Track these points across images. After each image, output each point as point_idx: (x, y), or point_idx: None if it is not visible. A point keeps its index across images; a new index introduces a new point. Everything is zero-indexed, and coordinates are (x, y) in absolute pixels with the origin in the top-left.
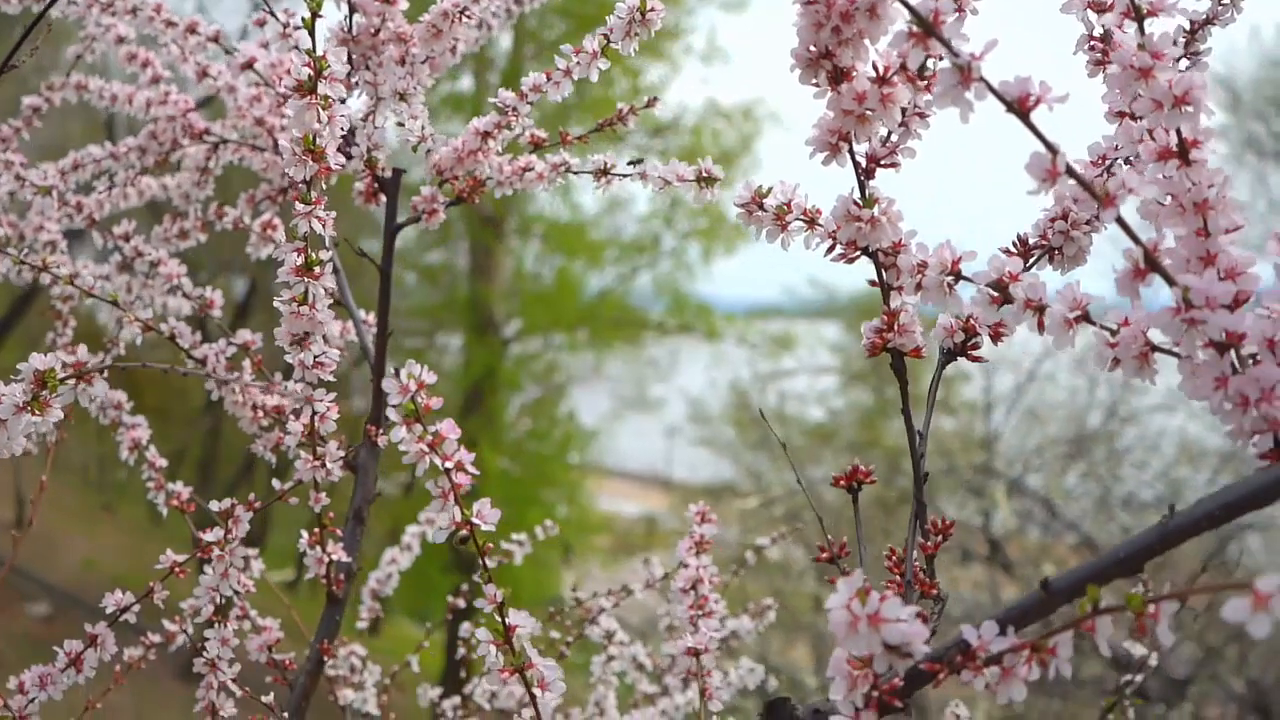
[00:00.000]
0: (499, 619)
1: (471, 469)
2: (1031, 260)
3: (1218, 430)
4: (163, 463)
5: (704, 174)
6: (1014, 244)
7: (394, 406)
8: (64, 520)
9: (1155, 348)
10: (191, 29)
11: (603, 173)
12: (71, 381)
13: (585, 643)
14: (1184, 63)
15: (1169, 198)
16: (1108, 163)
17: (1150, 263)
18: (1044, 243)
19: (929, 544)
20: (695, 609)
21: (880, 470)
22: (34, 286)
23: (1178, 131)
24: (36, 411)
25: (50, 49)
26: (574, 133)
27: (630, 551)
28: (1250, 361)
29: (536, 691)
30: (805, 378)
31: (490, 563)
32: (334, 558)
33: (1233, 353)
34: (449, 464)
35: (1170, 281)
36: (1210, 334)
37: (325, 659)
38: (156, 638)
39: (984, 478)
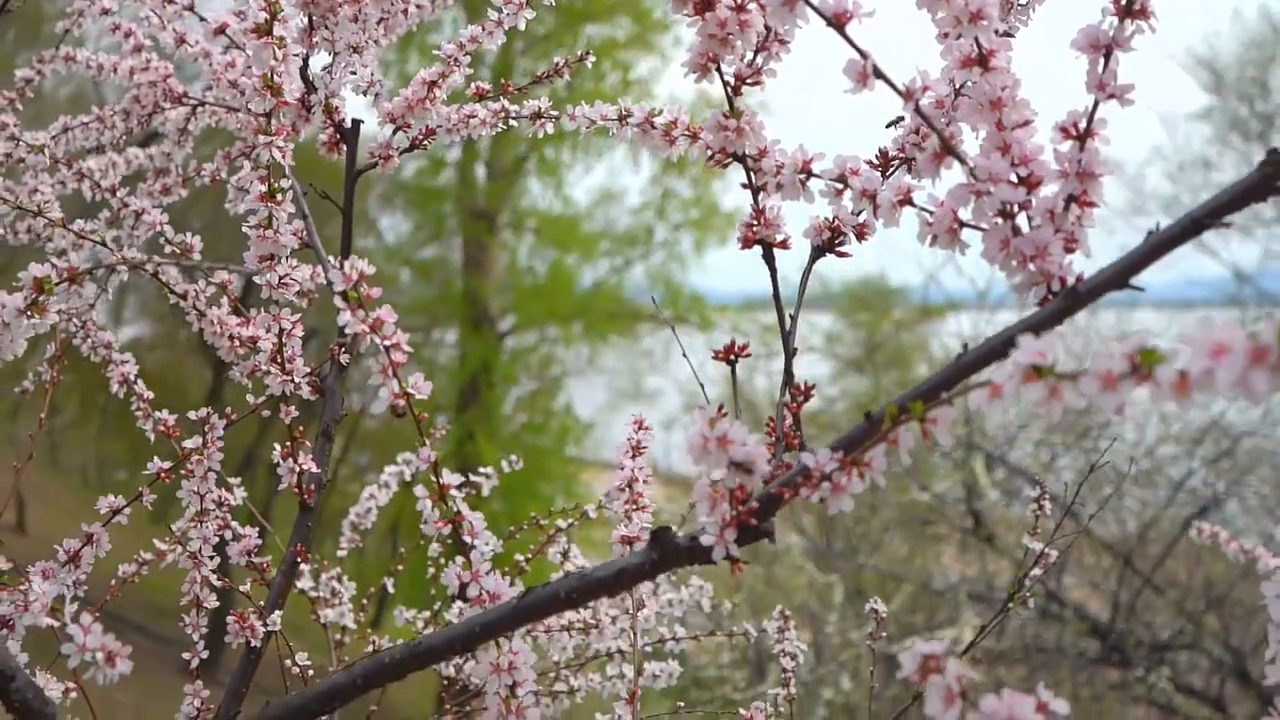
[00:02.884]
0: (434, 479)
1: (406, 348)
2: (892, 169)
3: (1193, 403)
4: (150, 394)
5: (623, 113)
6: (876, 155)
7: (338, 294)
8: (64, 521)
9: (963, 224)
10: None
11: (537, 116)
12: (65, 284)
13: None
14: None
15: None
16: (958, 85)
17: (946, 148)
18: (901, 154)
19: (794, 404)
20: (630, 504)
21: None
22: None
23: (976, 42)
24: (35, 314)
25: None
26: (515, 85)
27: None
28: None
29: (468, 539)
30: (797, 364)
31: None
32: (305, 469)
33: (1022, 220)
34: (388, 343)
35: (962, 161)
36: (994, 205)
37: (300, 561)
38: (149, 555)
39: (965, 452)
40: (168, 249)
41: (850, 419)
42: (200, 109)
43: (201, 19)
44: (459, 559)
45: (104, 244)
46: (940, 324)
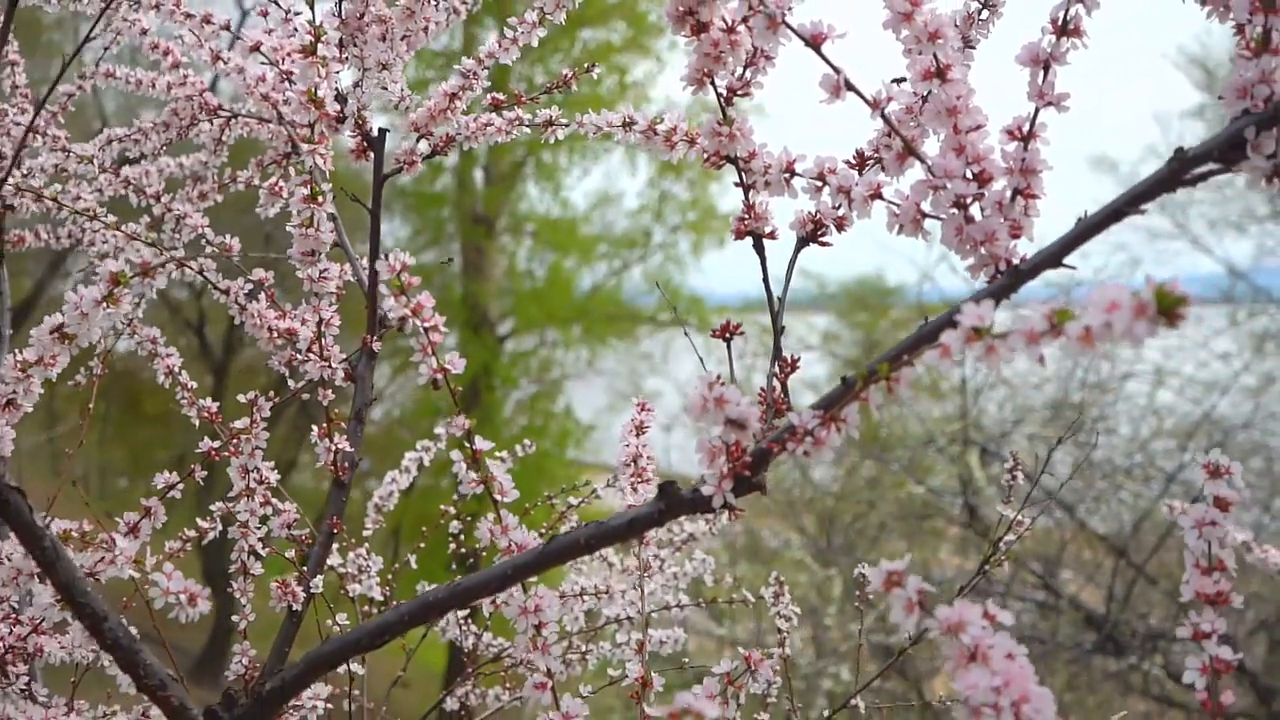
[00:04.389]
0: (468, 444)
1: (443, 329)
2: (866, 168)
3: (1188, 399)
4: (193, 384)
5: (627, 120)
6: (853, 156)
7: (384, 282)
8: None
9: (925, 214)
10: (206, 20)
11: (549, 124)
12: (139, 278)
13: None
14: (984, 12)
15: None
16: (921, 94)
17: (908, 149)
18: (874, 155)
19: (782, 375)
20: (635, 478)
21: (873, 451)
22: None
23: (935, 57)
24: (111, 305)
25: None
26: (528, 94)
27: (629, 544)
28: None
29: (497, 496)
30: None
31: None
32: (340, 448)
33: (976, 211)
34: (427, 325)
35: (922, 161)
36: (950, 198)
37: (335, 533)
38: (192, 533)
39: (961, 447)
40: (208, 249)
41: None
42: (234, 120)
43: (237, 37)
44: (489, 515)
45: (154, 244)
46: None
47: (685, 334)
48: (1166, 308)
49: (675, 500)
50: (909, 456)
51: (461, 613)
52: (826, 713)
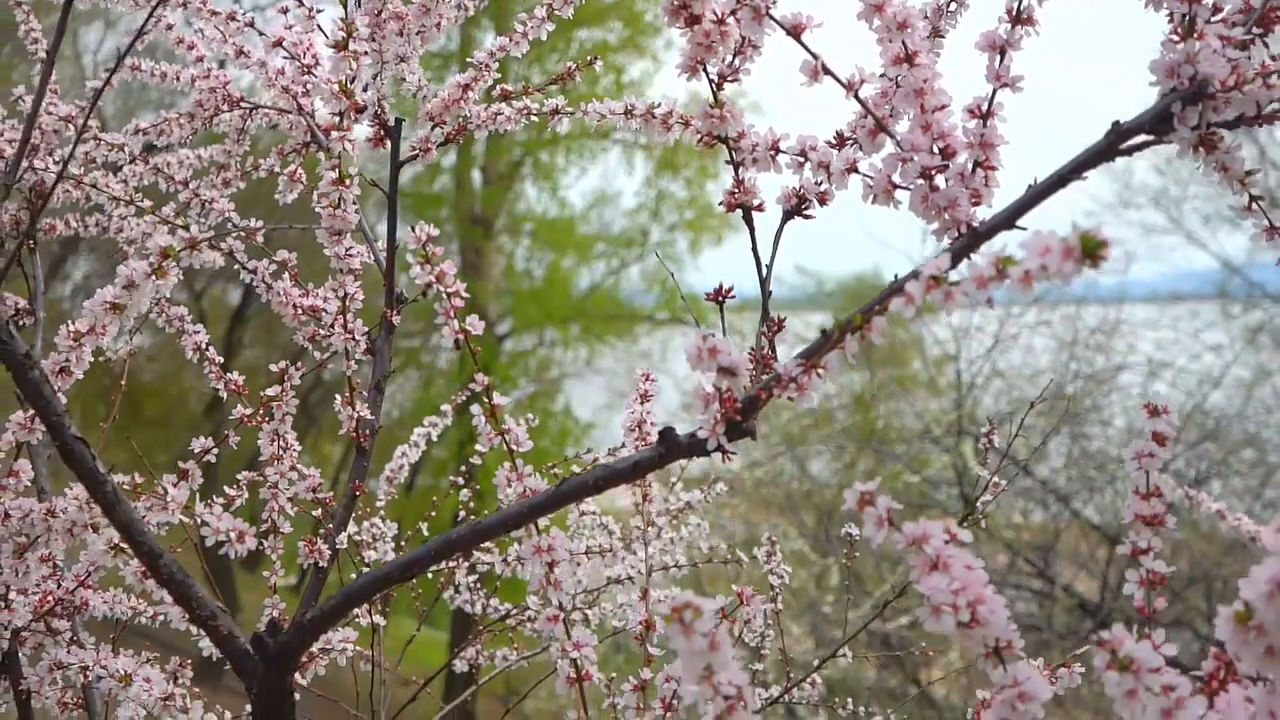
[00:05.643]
0: (487, 400)
1: (464, 294)
2: (845, 146)
3: (1181, 390)
4: (220, 359)
5: (629, 108)
6: (834, 135)
7: (411, 251)
8: None
9: (895, 185)
10: (231, 16)
11: (555, 112)
12: (187, 250)
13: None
14: (953, 5)
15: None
16: (893, 78)
17: (879, 126)
18: (852, 135)
19: (769, 333)
20: (639, 441)
21: (871, 444)
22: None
23: (904, 44)
24: (159, 277)
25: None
26: (535, 86)
27: (629, 544)
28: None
29: (513, 446)
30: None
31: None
32: (361, 415)
33: (941, 180)
34: (449, 290)
35: (892, 136)
36: (916, 169)
37: (356, 495)
38: (221, 500)
39: (955, 438)
40: (234, 233)
41: (848, 414)
42: (255, 111)
43: (260, 34)
44: (506, 464)
45: (186, 227)
46: (934, 319)
47: (692, 320)
48: (1090, 250)
49: (674, 444)
50: (906, 450)
51: (470, 577)
52: (824, 701)
